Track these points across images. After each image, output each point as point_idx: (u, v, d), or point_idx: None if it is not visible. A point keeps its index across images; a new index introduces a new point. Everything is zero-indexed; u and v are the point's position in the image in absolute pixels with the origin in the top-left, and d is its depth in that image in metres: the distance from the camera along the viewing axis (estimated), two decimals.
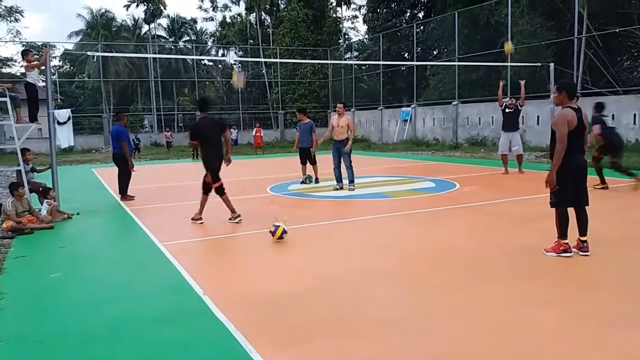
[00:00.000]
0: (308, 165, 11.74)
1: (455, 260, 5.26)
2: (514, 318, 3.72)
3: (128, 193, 10.29)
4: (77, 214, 8.53)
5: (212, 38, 48.79)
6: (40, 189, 8.86)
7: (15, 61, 34.84)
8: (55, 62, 41.76)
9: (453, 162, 16.66)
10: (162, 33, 47.68)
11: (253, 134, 25.11)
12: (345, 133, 10.32)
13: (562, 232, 5.20)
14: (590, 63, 19.66)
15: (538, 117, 19.64)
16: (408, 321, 3.74)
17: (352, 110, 30.78)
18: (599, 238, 5.65)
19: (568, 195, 5.13)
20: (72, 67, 44.36)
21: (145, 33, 45.12)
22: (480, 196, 9.47)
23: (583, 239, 5.27)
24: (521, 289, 4.37)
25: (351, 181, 10.51)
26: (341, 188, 10.52)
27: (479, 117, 22.56)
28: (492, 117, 21.65)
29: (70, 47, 40.44)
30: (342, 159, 10.42)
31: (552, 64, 14.49)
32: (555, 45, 20.30)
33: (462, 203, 8.70)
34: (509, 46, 12.67)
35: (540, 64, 16.89)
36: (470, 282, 4.56)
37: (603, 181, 9.61)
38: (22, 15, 32.65)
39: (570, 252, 5.17)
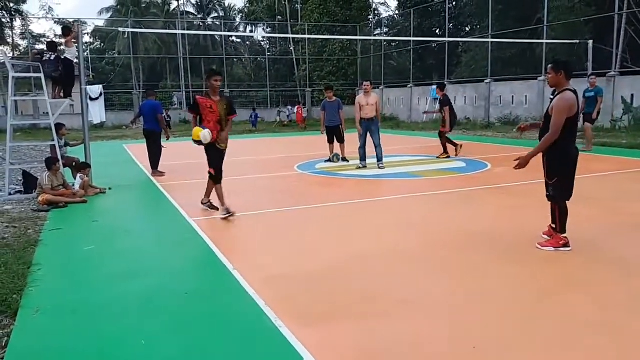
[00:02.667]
0: (335, 143, 11.66)
1: (483, 242, 5.17)
2: (543, 302, 3.64)
3: (159, 169, 10.44)
4: (110, 188, 8.69)
5: (241, 14, 48.56)
6: (74, 163, 9.05)
7: (48, 37, 35.45)
8: (87, 38, 42.33)
9: (485, 142, 16.33)
10: (191, 9, 47.68)
11: (294, 111, 27.62)
12: (374, 111, 10.21)
13: (563, 227, 4.82)
14: (630, 41, 18.86)
15: None
16: (434, 303, 3.70)
17: (380, 88, 30.40)
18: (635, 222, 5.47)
19: (570, 187, 4.76)
20: (102, 44, 44.90)
21: (174, 9, 45.19)
22: (511, 177, 9.24)
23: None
24: (550, 273, 4.27)
25: (380, 159, 10.41)
26: (364, 167, 10.41)
27: (512, 96, 21.96)
28: (526, 96, 21.08)
29: (100, 23, 40.87)
30: (371, 138, 10.35)
31: (590, 41, 13.97)
32: (594, 22, 19.51)
33: (493, 184, 8.54)
34: None
35: (578, 41, 16.27)
36: (499, 265, 4.48)
37: (446, 151, 11.96)
38: None
39: (569, 246, 4.77)
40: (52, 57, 8.64)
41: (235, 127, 27.59)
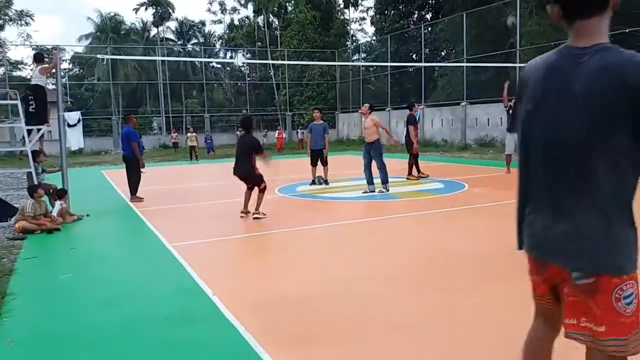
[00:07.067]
0: (318, 166, 11.72)
1: (464, 262, 5.24)
2: (524, 322, 3.68)
3: (137, 194, 10.35)
4: (87, 215, 8.59)
5: (220, 41, 48.99)
6: (52, 190, 8.93)
7: (26, 64, 35.24)
8: (65, 65, 42.14)
9: (462, 163, 16.61)
10: (171, 36, 48.00)
11: (276, 136, 28.47)
12: (374, 134, 10.14)
13: None
14: None
15: None
16: (416, 324, 3.72)
17: (359, 111, 30.78)
18: None
19: None
20: (81, 70, 44.74)
21: (154, 36, 45.42)
22: (489, 197, 9.42)
23: None
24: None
25: (384, 182, 10.12)
26: (372, 191, 10.06)
27: (488, 118, 22.46)
28: (501, 118, 21.55)
29: (80, 50, 40.81)
30: (373, 160, 10.16)
31: None
32: None
33: (471, 204, 8.66)
34: None
35: None
36: (479, 285, 4.54)
37: (419, 170, 12.49)
38: (32, 19, 33.05)
39: None
40: (38, 109, 8.61)
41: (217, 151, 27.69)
